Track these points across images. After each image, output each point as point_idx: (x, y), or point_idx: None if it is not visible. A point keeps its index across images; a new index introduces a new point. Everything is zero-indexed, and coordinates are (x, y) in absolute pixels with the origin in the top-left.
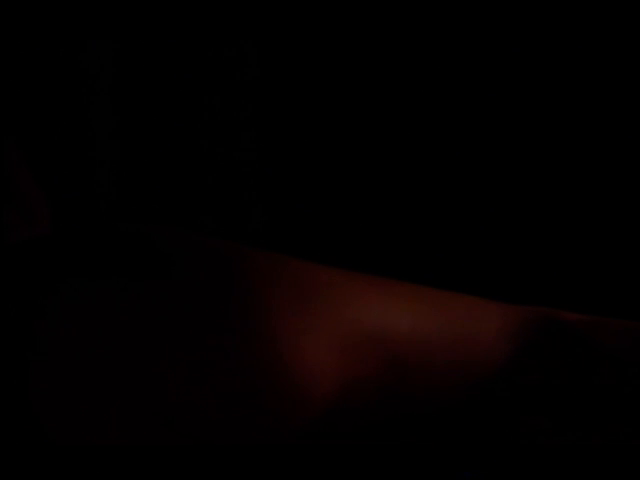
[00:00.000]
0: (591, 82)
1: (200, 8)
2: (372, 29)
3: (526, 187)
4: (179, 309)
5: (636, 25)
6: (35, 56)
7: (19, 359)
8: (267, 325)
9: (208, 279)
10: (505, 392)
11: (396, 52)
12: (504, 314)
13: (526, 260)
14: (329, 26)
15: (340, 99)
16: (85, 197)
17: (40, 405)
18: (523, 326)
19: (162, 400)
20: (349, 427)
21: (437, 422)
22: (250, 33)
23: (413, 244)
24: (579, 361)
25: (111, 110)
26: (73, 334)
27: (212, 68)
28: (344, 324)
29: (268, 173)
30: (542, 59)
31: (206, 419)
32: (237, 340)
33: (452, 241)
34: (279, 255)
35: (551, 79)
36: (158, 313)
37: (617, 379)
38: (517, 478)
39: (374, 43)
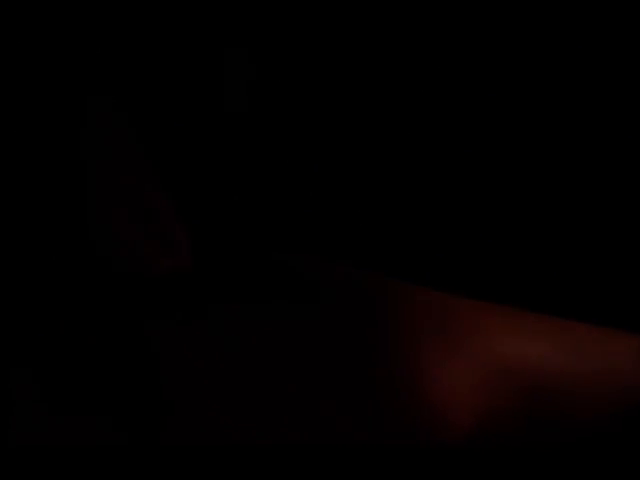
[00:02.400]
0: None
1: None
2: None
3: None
4: (329, 335)
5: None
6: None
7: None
8: (407, 355)
9: (354, 308)
10: None
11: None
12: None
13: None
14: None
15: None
16: (217, 225)
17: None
18: None
19: (311, 409)
20: (486, 450)
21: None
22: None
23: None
24: None
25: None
26: (229, 353)
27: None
28: (481, 355)
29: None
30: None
31: (348, 435)
32: (378, 367)
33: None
34: (417, 287)
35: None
36: (311, 336)
37: None
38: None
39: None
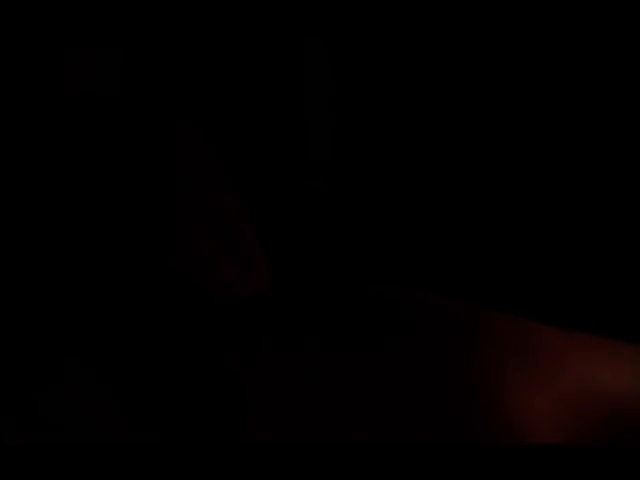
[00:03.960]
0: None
1: None
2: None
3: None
4: (416, 361)
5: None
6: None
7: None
8: (495, 382)
9: (446, 336)
10: None
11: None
12: None
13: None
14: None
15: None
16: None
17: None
18: None
19: (398, 434)
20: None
21: None
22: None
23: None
24: None
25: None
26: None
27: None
28: (566, 381)
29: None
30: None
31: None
32: (467, 394)
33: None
34: (507, 314)
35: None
36: (395, 363)
37: None
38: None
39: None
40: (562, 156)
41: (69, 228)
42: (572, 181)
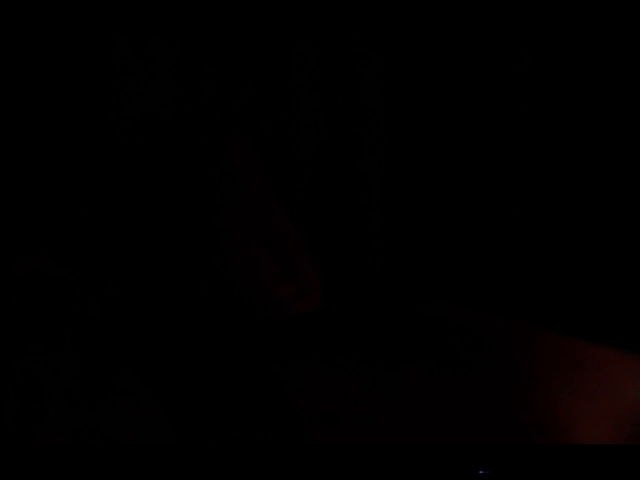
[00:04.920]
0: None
1: None
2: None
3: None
4: (481, 382)
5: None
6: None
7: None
8: (553, 396)
9: (503, 357)
10: None
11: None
12: None
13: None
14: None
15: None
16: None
17: None
18: None
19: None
20: None
21: None
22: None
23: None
24: None
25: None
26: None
27: None
28: (621, 403)
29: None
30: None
31: None
32: (525, 413)
33: None
34: (565, 336)
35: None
36: (462, 387)
37: None
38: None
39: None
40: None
41: (128, 243)
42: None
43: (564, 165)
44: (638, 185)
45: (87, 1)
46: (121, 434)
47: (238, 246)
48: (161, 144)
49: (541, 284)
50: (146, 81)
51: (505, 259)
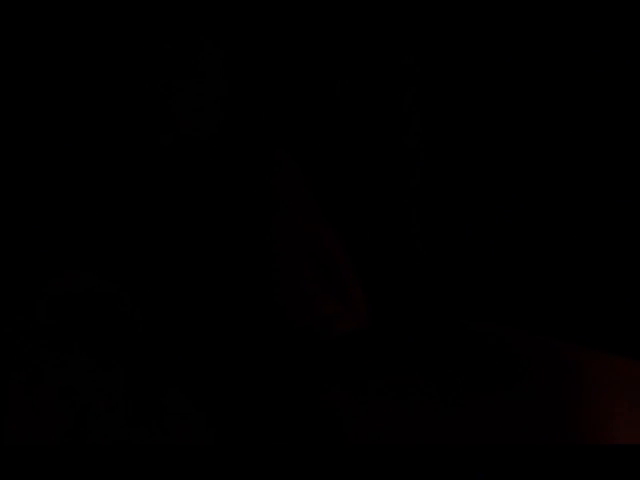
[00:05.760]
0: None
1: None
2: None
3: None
4: (528, 403)
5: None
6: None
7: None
8: (601, 416)
9: (551, 380)
10: None
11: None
12: None
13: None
14: None
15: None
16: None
17: None
18: None
19: None
20: None
21: None
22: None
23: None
24: None
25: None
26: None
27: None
28: None
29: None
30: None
31: None
32: (577, 431)
33: None
34: (613, 356)
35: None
36: (508, 407)
37: None
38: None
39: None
40: None
41: (173, 261)
42: None
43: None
44: None
45: (140, 22)
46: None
47: (282, 266)
48: (206, 162)
49: (588, 302)
50: (194, 99)
51: (555, 277)
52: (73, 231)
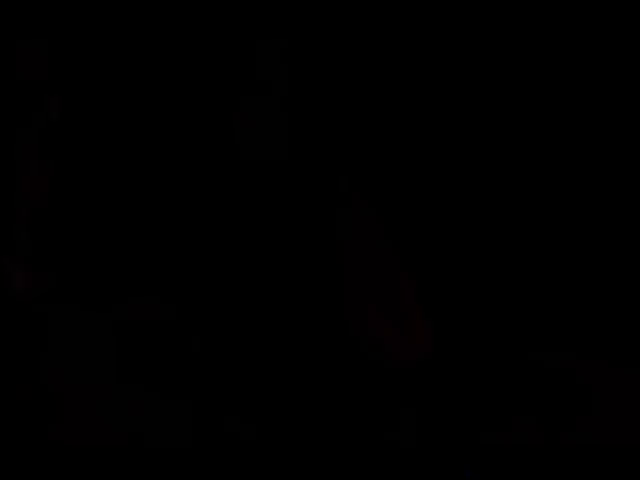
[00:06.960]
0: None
1: None
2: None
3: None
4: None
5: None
6: None
7: None
8: None
9: (624, 403)
10: None
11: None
12: None
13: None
14: None
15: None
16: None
17: None
18: None
19: None
20: None
21: None
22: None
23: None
24: None
25: None
26: None
27: None
28: None
29: None
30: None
31: None
32: None
33: None
34: None
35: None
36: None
37: None
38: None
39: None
40: None
41: (242, 290)
42: None
43: None
44: None
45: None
46: None
47: (349, 295)
48: (277, 189)
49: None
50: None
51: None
52: (139, 256)
